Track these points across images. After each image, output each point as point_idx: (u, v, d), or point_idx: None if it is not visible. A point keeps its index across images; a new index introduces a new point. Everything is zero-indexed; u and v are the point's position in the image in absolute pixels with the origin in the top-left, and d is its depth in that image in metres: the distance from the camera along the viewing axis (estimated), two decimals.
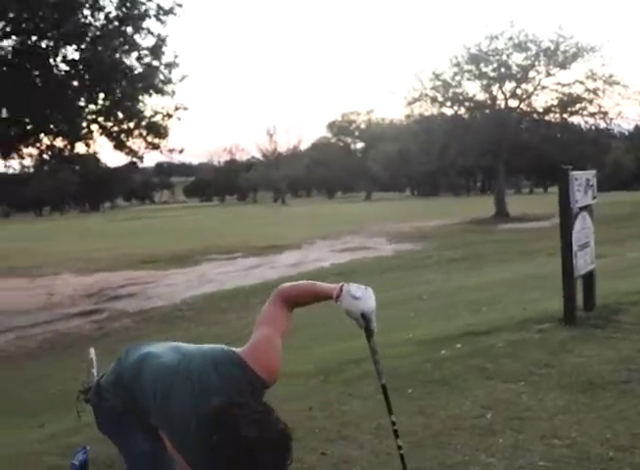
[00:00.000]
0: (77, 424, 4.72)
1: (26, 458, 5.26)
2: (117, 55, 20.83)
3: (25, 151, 23.82)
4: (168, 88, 22.49)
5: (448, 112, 46.41)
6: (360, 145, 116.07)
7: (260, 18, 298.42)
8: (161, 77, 22.00)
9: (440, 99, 44.62)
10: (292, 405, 6.05)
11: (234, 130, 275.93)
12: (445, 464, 4.60)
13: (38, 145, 23.57)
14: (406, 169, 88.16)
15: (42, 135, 23.13)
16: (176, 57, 22.20)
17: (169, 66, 21.98)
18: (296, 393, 6.44)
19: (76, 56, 20.89)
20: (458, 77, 43.91)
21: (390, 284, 17.26)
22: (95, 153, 26.78)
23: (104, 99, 21.86)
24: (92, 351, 3.50)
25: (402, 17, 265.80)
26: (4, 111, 21.74)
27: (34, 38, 20.42)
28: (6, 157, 23.60)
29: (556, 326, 7.71)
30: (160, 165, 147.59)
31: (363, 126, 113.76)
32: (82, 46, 20.57)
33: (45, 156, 24.11)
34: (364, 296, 3.14)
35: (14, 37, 20.42)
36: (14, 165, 24.70)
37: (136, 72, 21.35)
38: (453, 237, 29.46)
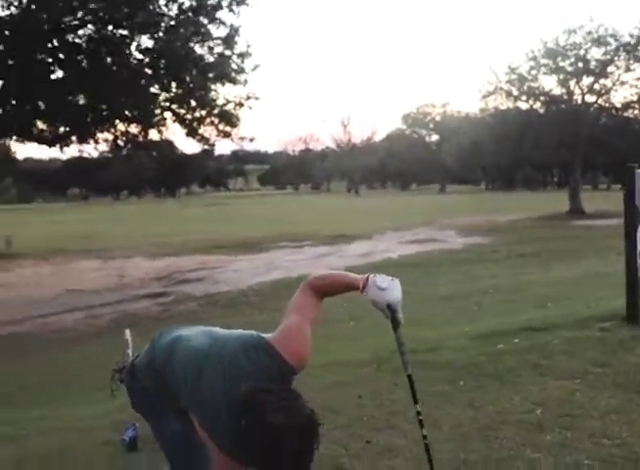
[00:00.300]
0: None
1: (80, 433, 5.38)
2: (190, 44, 21.08)
3: (101, 136, 24.35)
4: (241, 77, 22.63)
5: (523, 106, 45.68)
6: (435, 137, 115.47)
7: (337, 7, 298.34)
8: (234, 67, 22.15)
9: (515, 93, 43.92)
10: (342, 393, 6.09)
11: (309, 120, 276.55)
12: (490, 458, 4.56)
13: (113, 131, 24.07)
14: (479, 162, 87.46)
15: (117, 121, 23.61)
16: (249, 46, 22.33)
17: (242, 55, 22.09)
18: (347, 380, 6.47)
19: (150, 45, 21.22)
20: (534, 71, 43.09)
21: (457, 277, 17.16)
22: (168, 140, 27.02)
23: (176, 87, 22.14)
24: (127, 332, 3.58)
25: (480, 9, 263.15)
26: (81, 97, 22.21)
27: (110, 27, 20.78)
28: (82, 142, 24.14)
29: (618, 325, 7.56)
30: (235, 153, 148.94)
31: (438, 119, 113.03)
32: (156, 35, 20.89)
33: (120, 141, 24.58)
34: (390, 287, 3.11)
35: (90, 26, 20.82)
36: (89, 150, 25.21)
37: (208, 62, 21.55)
38: (524, 232, 29.07)
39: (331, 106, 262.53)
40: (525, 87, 43.50)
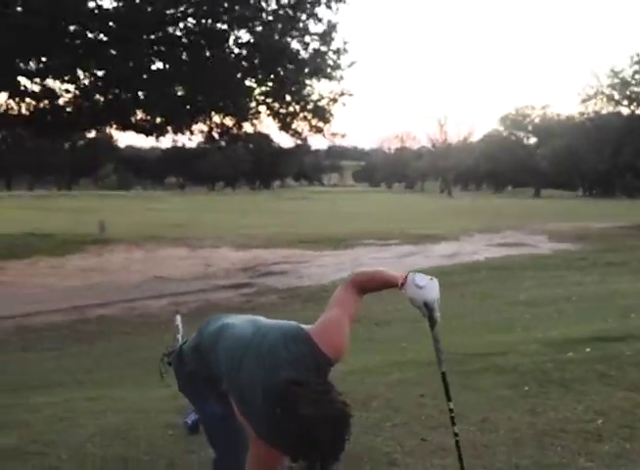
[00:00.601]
0: None
1: (146, 415, 5.58)
2: (286, 39, 21.35)
3: (196, 127, 24.93)
4: (336, 73, 22.82)
5: (624, 111, 44.60)
6: (533, 140, 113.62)
7: (437, 5, 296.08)
8: (330, 63, 22.33)
9: (617, 97, 42.92)
10: (405, 391, 6.15)
11: (406, 118, 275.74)
12: (541, 463, 4.57)
13: (208, 122, 24.61)
14: (576, 167, 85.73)
15: (212, 113, 24.09)
16: (345, 43, 22.50)
17: (338, 51, 22.28)
18: (411, 379, 6.52)
19: (247, 39, 21.60)
20: (638, 76, 42.06)
21: (541, 282, 16.91)
22: (264, 133, 27.45)
23: (272, 81, 22.44)
24: (178, 318, 3.72)
25: (583, 11, 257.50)
26: (179, 88, 22.76)
27: (210, 21, 21.21)
28: (177, 132, 24.74)
29: None
30: (331, 148, 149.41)
31: (537, 121, 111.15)
32: (254, 30, 21.23)
33: (214, 133, 25.09)
34: (428, 286, 3.21)
35: (190, 19, 21.30)
36: (183, 140, 25.87)
37: (303, 57, 21.79)
38: (615, 240, 28.39)
39: (429, 104, 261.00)
40: (628, 92, 42.47)
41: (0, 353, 11.56)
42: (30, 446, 4.99)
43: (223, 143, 27.40)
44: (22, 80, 23.11)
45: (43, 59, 21.46)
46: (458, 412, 5.42)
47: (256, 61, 21.57)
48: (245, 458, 3.07)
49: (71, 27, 20.47)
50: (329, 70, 22.50)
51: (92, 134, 28.61)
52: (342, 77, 23.08)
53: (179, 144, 25.62)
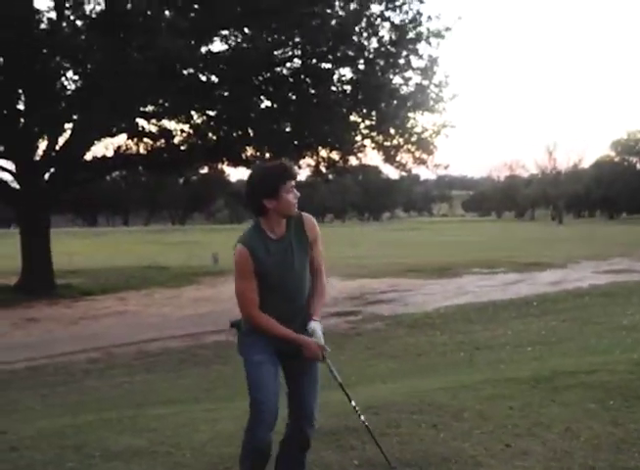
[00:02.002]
0: None
1: None
2: (389, 75, 22.00)
3: (303, 162, 25.78)
4: (439, 106, 23.37)
5: None
6: None
7: (540, 33, 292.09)
8: (432, 96, 22.86)
9: None
10: (495, 404, 6.56)
11: (515, 146, 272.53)
12: (617, 466, 4.90)
13: (315, 157, 25.43)
14: None
15: (319, 148, 24.91)
16: (447, 76, 23.02)
17: (440, 85, 22.80)
18: (503, 394, 6.88)
19: (350, 76, 22.36)
20: None
21: None
22: (373, 165, 28.09)
23: (375, 116, 23.06)
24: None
25: None
26: (286, 125, 23.66)
27: (314, 60, 22.06)
28: None
29: None
30: (440, 178, 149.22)
31: None
32: (356, 67, 22.00)
33: (322, 167, 25.89)
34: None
35: (296, 60, 22.23)
36: None
37: (404, 92, 22.38)
38: None
39: (537, 132, 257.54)
40: None
41: (126, 375, 12.52)
42: (158, 446, 5.69)
43: (330, 176, 28.12)
44: (141, 122, 24.49)
45: (160, 101, 22.69)
46: (542, 422, 5.90)
47: (360, 97, 22.28)
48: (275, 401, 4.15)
49: (185, 71, 21.61)
50: (431, 103, 23.05)
51: (205, 170, 29.79)
52: (444, 109, 23.61)
53: None
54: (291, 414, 4.41)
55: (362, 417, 4.26)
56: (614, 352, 10.24)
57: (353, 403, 4.25)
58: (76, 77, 22.40)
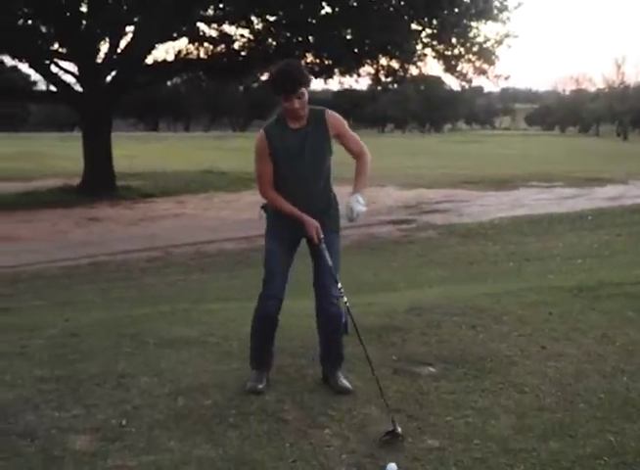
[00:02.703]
0: None
1: (299, 318, 6.43)
2: None
3: (363, 70, 25.59)
4: (502, 16, 22.86)
5: None
6: None
7: None
8: (496, 4, 22.38)
9: None
10: (536, 309, 6.72)
11: (584, 59, 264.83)
12: None
13: (375, 65, 25.20)
14: None
15: (379, 56, 24.65)
16: None
17: None
18: (545, 301, 7.03)
19: None
20: None
21: None
22: (436, 75, 27.74)
23: (436, 24, 22.68)
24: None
25: None
26: (347, 32, 23.42)
27: None
28: (345, 74, 25.49)
29: None
30: (504, 91, 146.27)
31: None
32: None
33: (381, 75, 25.67)
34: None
35: None
36: (350, 83, 26.50)
37: (466, 0, 21.91)
38: None
39: (605, 45, 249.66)
40: None
41: (182, 274, 12.96)
42: (209, 337, 5.98)
43: (390, 85, 27.89)
44: (201, 26, 24.46)
45: (220, 5, 22.58)
46: (579, 328, 6.05)
47: (421, 4, 21.87)
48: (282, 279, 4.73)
49: None
50: (494, 11, 22.56)
51: (264, 77, 29.87)
52: (508, 19, 23.10)
53: (347, 86, 26.31)
54: (315, 294, 4.82)
55: (345, 299, 4.64)
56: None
57: (339, 285, 4.63)
58: None
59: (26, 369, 5.23)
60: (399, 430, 3.85)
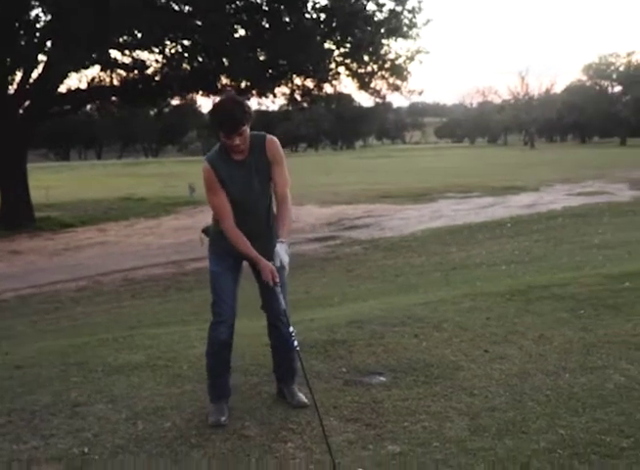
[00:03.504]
0: None
1: (249, 338, 6.49)
2: (362, 2, 21.89)
3: (278, 90, 25.75)
4: (412, 32, 23.31)
5: None
6: (618, 89, 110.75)
7: None
8: (406, 22, 22.81)
9: None
10: (473, 315, 6.90)
11: (487, 72, 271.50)
12: (586, 366, 5.24)
13: (290, 85, 25.39)
14: None
15: (294, 76, 24.86)
16: (420, 2, 23.11)
17: (413, 11, 22.75)
18: (480, 306, 7.23)
19: (324, 3, 22.24)
20: None
21: (617, 228, 17.20)
22: (345, 93, 28.02)
23: (349, 43, 23.01)
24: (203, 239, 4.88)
25: None
26: (261, 54, 23.56)
27: None
28: (261, 95, 25.61)
29: None
30: (413, 106, 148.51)
31: (622, 69, 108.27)
32: None
33: (296, 95, 25.87)
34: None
35: None
36: (267, 104, 26.64)
37: (378, 18, 22.30)
38: None
39: (509, 58, 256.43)
40: None
41: (114, 301, 12.83)
42: (156, 361, 5.97)
43: (305, 104, 28.10)
44: (114, 53, 24.29)
45: (134, 32, 22.47)
46: (517, 330, 6.26)
47: (334, 24, 22.18)
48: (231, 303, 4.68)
49: (160, 1, 21.40)
50: (405, 29, 22.99)
51: (176, 101, 29.91)
52: (418, 36, 23.57)
53: (264, 107, 26.48)
54: (266, 313, 4.87)
55: (295, 342, 4.54)
56: (584, 268, 10.60)
57: (291, 329, 4.50)
58: (48, 8, 22.02)
59: None
60: None
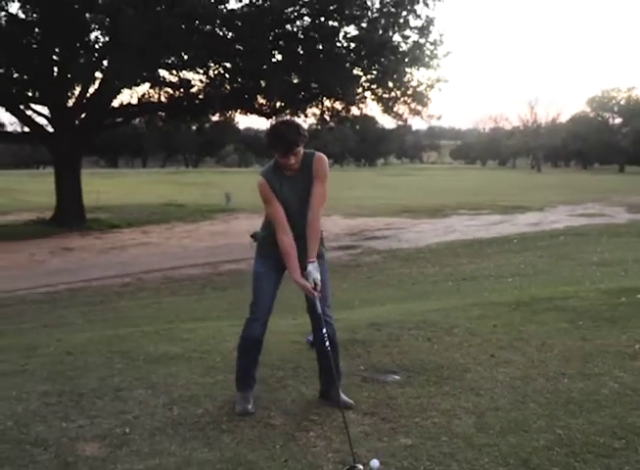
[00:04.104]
0: None
1: (278, 335, 6.51)
2: (389, 33, 21.95)
3: (310, 111, 25.84)
4: (433, 63, 23.34)
5: None
6: (618, 120, 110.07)
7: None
8: (427, 53, 22.83)
9: None
10: (482, 322, 6.88)
11: (500, 100, 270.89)
12: (584, 373, 5.21)
13: (320, 106, 25.48)
14: None
15: (324, 98, 24.94)
16: (441, 35, 23.03)
17: (435, 43, 22.76)
18: (488, 314, 7.20)
19: (354, 33, 22.30)
20: None
21: (614, 247, 17.08)
22: (369, 115, 28.10)
23: (376, 70, 23.05)
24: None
25: None
26: (295, 77, 23.66)
27: (322, 19, 21.97)
28: (294, 115, 25.69)
29: None
30: (431, 129, 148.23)
31: (622, 103, 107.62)
32: (360, 26, 21.94)
33: (326, 116, 25.95)
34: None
35: (306, 18, 22.15)
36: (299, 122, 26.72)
37: (403, 49, 22.35)
38: None
39: (521, 88, 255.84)
40: None
41: (154, 297, 12.90)
42: (192, 353, 6.01)
43: (333, 124, 28.13)
44: (162, 72, 24.49)
45: (181, 54, 22.63)
46: (522, 337, 6.24)
47: (362, 53, 22.24)
48: (269, 303, 4.68)
49: (206, 27, 21.54)
50: (427, 59, 23.03)
51: (216, 118, 30.13)
52: (438, 66, 23.62)
53: None
54: (310, 318, 4.78)
55: (327, 343, 4.54)
56: (584, 282, 10.51)
57: (324, 331, 4.56)
58: (106, 31, 22.27)
59: (30, 385, 5.21)
60: (361, 467, 3.72)
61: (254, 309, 4.70)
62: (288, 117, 25.95)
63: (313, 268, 4.48)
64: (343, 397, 4.70)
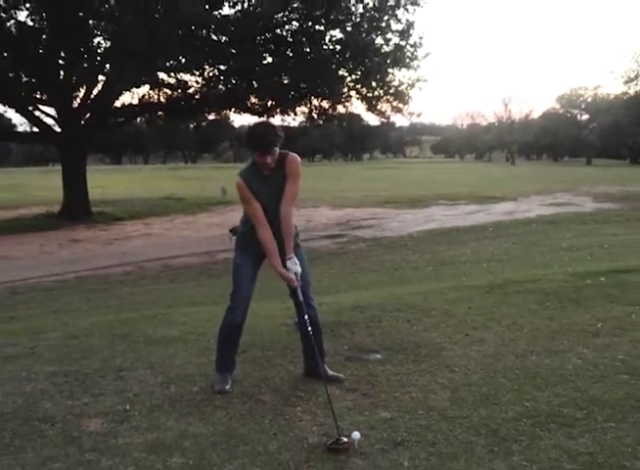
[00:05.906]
0: None
1: (267, 318, 6.55)
2: (372, 36, 21.91)
3: (299, 109, 25.79)
4: (413, 64, 23.31)
5: None
6: (586, 117, 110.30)
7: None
8: (408, 55, 22.79)
9: None
10: (457, 304, 6.90)
11: (476, 98, 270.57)
12: (550, 350, 5.25)
13: (309, 105, 25.43)
14: (621, 140, 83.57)
15: (312, 98, 24.89)
16: (421, 38, 22.98)
17: (415, 45, 22.72)
18: (464, 297, 7.23)
19: (340, 37, 22.25)
20: None
21: (582, 234, 17.13)
22: (355, 113, 28.04)
23: (360, 71, 23.01)
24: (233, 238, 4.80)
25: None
26: (285, 78, 23.59)
27: (310, 23, 21.90)
28: (284, 113, 25.67)
29: None
30: (412, 126, 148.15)
31: (589, 100, 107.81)
32: (345, 29, 21.88)
33: (314, 114, 25.90)
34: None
35: (294, 23, 22.07)
36: (289, 120, 26.67)
37: (385, 51, 22.31)
38: None
39: (495, 86, 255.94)
40: None
41: (154, 284, 12.88)
42: (188, 335, 6.03)
43: (321, 122, 28.09)
44: (161, 75, 24.39)
45: (179, 58, 22.53)
46: (495, 318, 6.27)
47: (347, 55, 22.20)
48: (248, 292, 4.66)
49: (202, 32, 21.45)
50: (407, 60, 22.99)
51: (212, 116, 29.95)
52: (418, 66, 23.59)
53: (285, 123, 26.58)
54: (294, 304, 4.77)
55: (309, 328, 4.61)
56: (553, 266, 10.55)
57: (306, 317, 4.60)
58: (108, 37, 22.16)
59: (39, 366, 5.24)
60: (344, 439, 3.72)
61: (235, 297, 4.70)
62: (278, 115, 25.99)
63: (292, 264, 4.49)
64: (332, 372, 4.76)
